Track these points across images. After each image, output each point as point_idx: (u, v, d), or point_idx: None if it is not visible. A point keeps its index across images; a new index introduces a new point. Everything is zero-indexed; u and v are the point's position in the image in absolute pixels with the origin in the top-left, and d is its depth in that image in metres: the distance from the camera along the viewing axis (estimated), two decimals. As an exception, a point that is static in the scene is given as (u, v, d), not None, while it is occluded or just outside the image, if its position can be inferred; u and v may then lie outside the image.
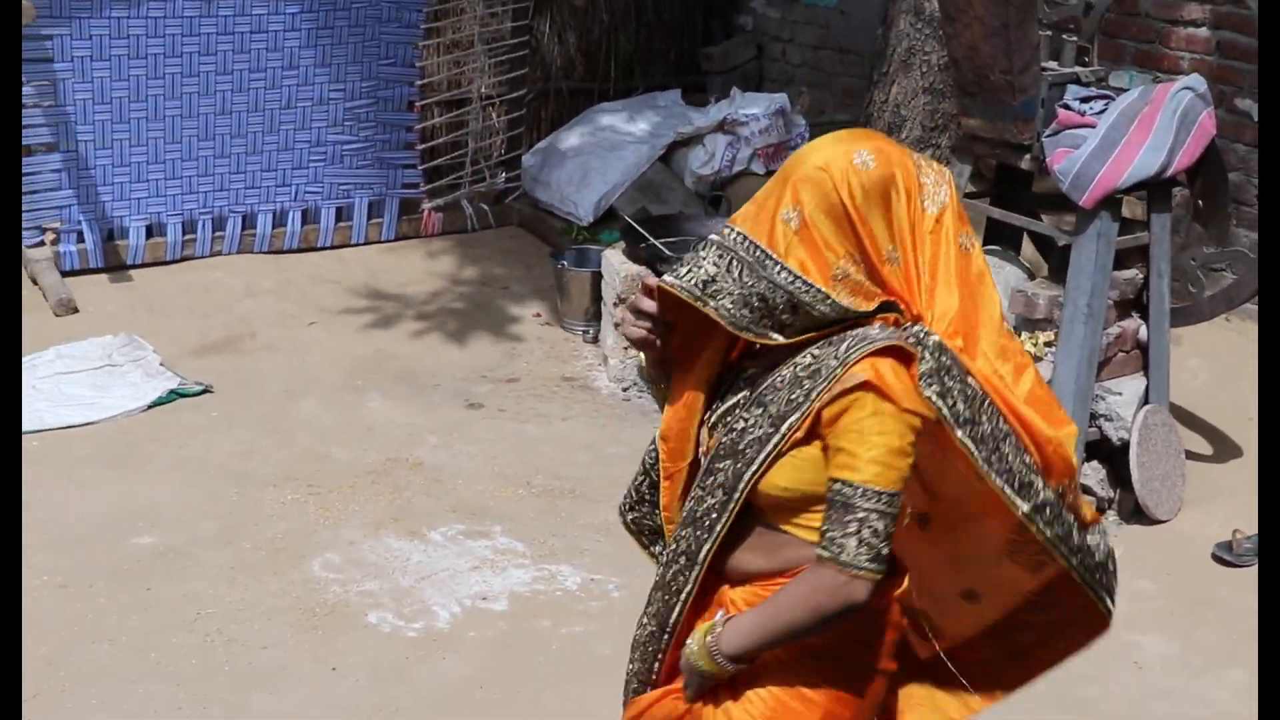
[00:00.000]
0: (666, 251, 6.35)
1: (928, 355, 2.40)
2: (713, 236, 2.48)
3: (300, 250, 7.53)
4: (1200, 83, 5.47)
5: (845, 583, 2.37)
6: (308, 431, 5.81)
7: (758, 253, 2.42)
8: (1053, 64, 5.57)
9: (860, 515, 2.35)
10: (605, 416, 6.12)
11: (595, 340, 6.72)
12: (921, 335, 2.42)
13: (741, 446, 2.47)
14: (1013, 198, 5.84)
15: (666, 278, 2.49)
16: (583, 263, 6.98)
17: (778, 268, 2.41)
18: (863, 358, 2.37)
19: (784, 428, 2.42)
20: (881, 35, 7.72)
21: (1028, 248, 6.21)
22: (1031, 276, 5.74)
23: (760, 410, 2.47)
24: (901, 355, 2.39)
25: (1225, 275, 6.28)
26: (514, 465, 5.62)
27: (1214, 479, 5.70)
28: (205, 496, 5.26)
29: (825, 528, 2.39)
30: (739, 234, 2.45)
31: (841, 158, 2.40)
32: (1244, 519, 5.33)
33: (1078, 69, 5.60)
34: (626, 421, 6.07)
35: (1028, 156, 5.41)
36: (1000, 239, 5.90)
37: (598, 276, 6.65)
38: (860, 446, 2.36)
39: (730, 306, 2.43)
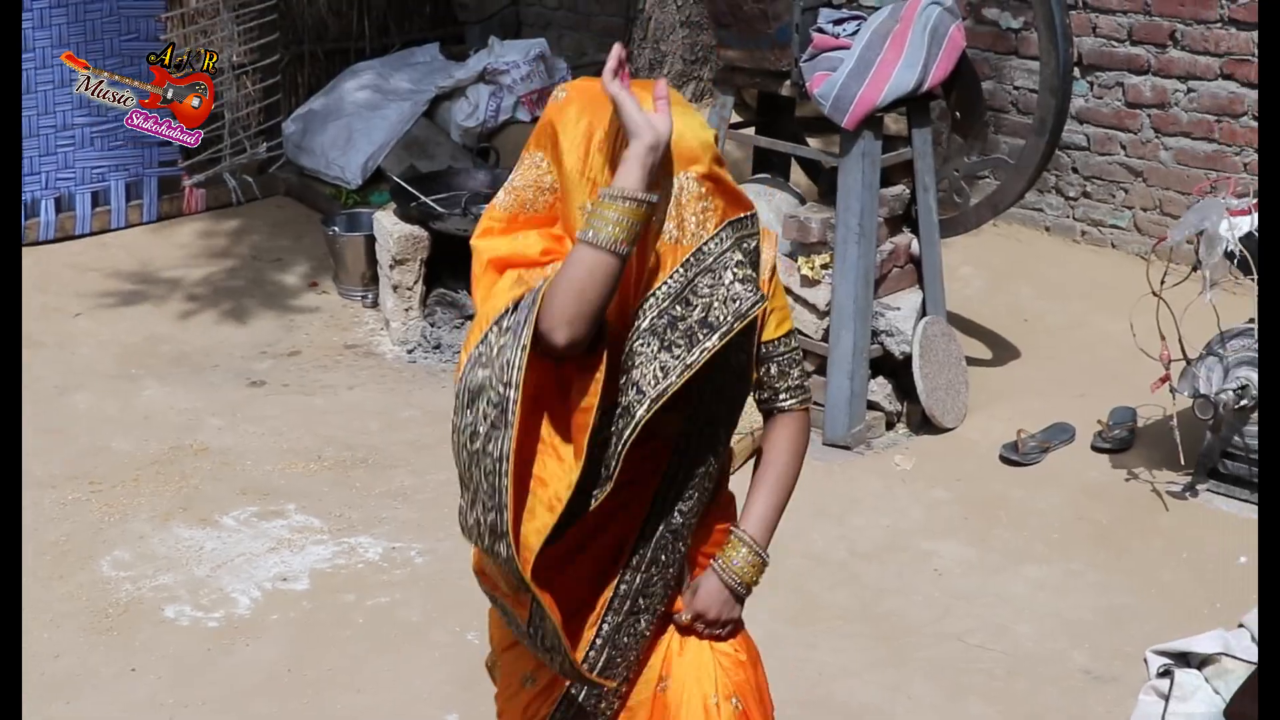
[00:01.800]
0: (438, 209, 6.27)
1: None
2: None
3: (57, 240, 7.24)
4: (947, -4, 5.57)
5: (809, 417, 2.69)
6: (84, 426, 5.61)
7: None
8: (803, -12, 5.61)
9: (801, 359, 2.65)
10: (393, 381, 6.03)
11: (375, 305, 6.61)
12: None
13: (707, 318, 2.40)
14: (778, 125, 5.89)
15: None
16: (354, 227, 6.85)
17: None
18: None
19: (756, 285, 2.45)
20: (634, -29, 7.72)
21: (797, 173, 6.28)
22: (802, 201, 5.80)
23: (706, 288, 2.41)
24: None
25: (989, 182, 6.44)
26: (303, 440, 5.50)
27: (995, 383, 5.85)
28: (-20, 506, 5.05)
29: (791, 382, 2.61)
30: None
31: None
32: (1027, 419, 5.49)
33: (829, -9, 5.65)
34: (415, 384, 5.99)
35: (788, 83, 5.46)
36: (769, 166, 5.95)
37: (371, 240, 6.54)
38: (783, 300, 2.63)
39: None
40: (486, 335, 2.32)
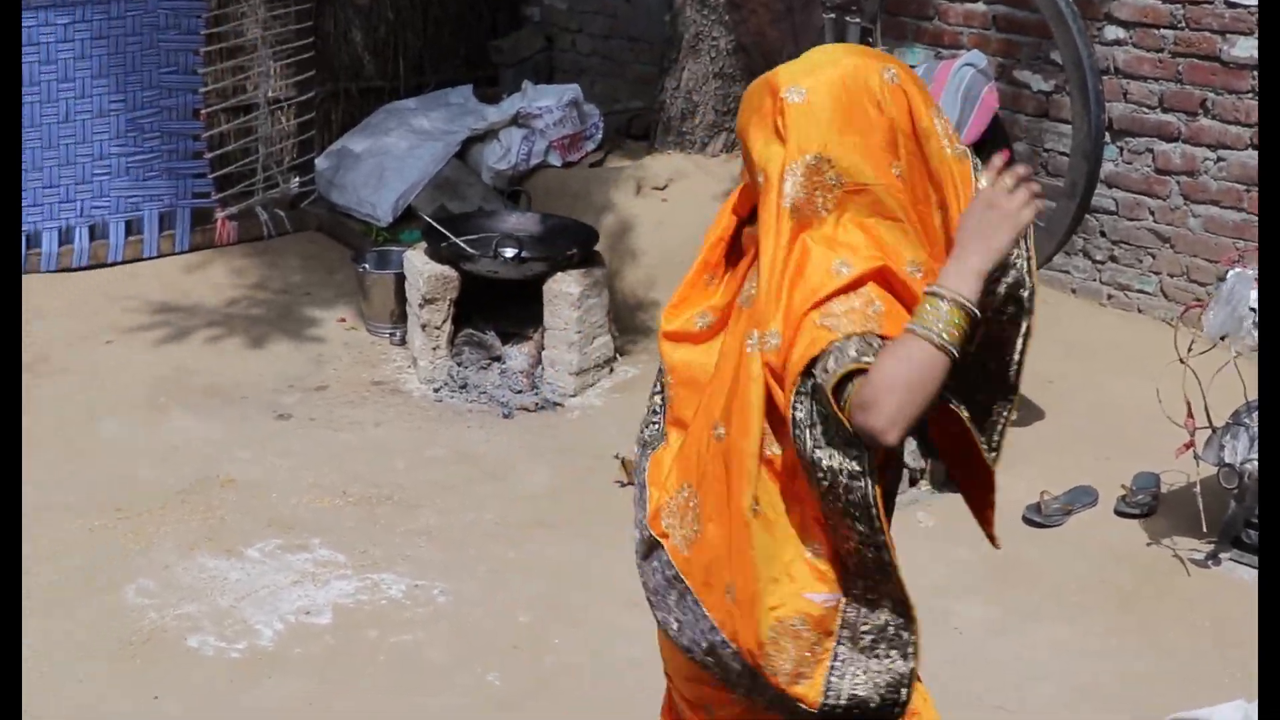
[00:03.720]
0: (469, 250, 6.31)
1: None
2: None
3: (90, 267, 7.31)
4: (981, 58, 5.64)
5: None
6: (111, 454, 5.65)
7: None
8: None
9: None
10: (419, 419, 6.06)
11: (403, 342, 6.65)
12: None
13: None
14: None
15: None
16: (384, 265, 6.90)
17: None
18: None
19: None
20: (669, 22, 7.78)
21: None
22: (832, 255, 5.82)
23: None
24: None
25: (1016, 243, 6.46)
26: (329, 475, 5.54)
27: (1019, 443, 5.84)
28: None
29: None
30: None
31: None
32: (1050, 480, 5.50)
33: (865, 49, 5.71)
34: (441, 423, 6.03)
35: (822, 138, 5.49)
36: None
37: (401, 278, 6.58)
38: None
39: None
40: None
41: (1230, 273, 4.96)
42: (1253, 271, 4.91)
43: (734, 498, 2.51)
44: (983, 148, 5.67)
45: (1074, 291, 7.04)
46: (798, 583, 2.49)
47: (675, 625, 2.62)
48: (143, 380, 6.27)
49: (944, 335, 2.27)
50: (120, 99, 7.28)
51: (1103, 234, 6.88)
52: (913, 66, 5.75)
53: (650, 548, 2.66)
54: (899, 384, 2.26)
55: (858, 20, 5.78)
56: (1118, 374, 6.26)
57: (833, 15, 5.75)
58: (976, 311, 2.31)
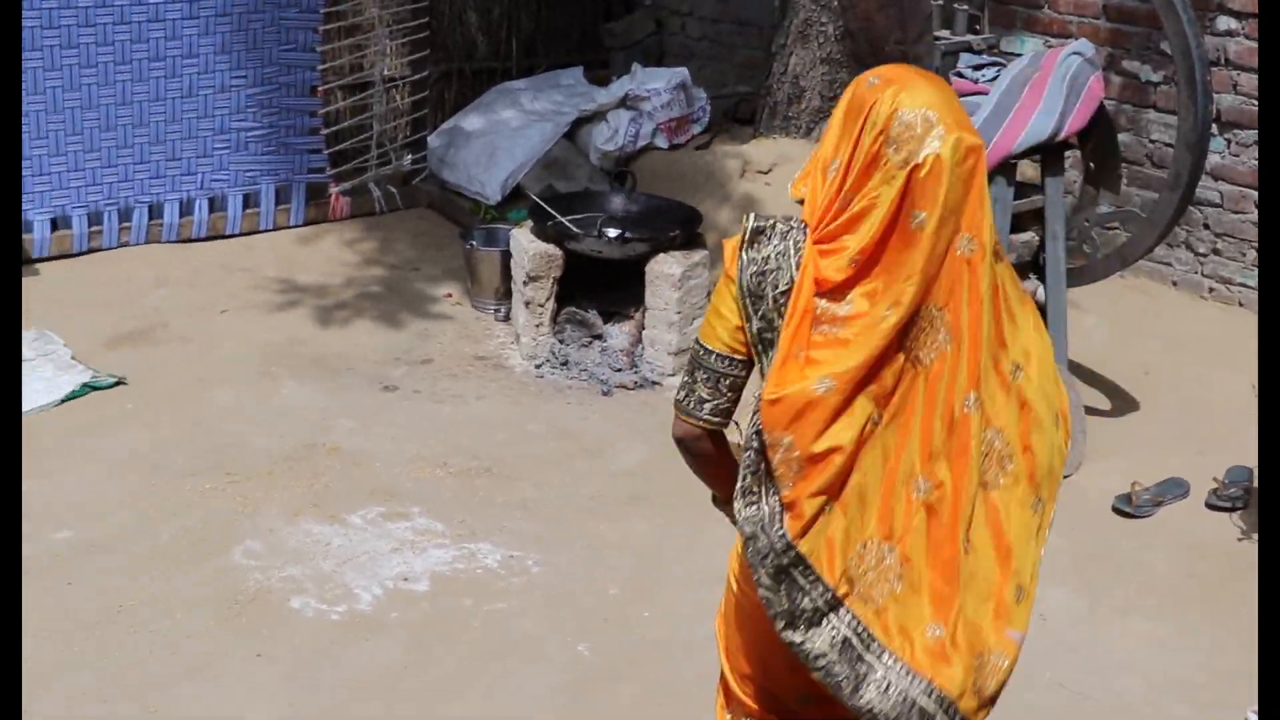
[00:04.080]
0: (574, 229, 6.36)
1: (755, 221, 2.62)
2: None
3: (209, 239, 7.46)
4: (1088, 47, 5.56)
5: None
6: (223, 420, 5.77)
7: None
8: (945, 32, 5.65)
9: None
10: (520, 394, 6.13)
11: (507, 319, 6.72)
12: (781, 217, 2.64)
13: None
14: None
15: None
16: (492, 242, 6.97)
17: None
18: None
19: None
20: (779, 7, 7.77)
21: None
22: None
23: None
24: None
25: (1119, 234, 6.40)
26: (431, 446, 5.62)
27: (1113, 434, 5.81)
28: (122, 489, 5.22)
29: None
30: None
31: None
32: (1142, 471, 5.44)
33: (970, 37, 5.67)
34: (541, 398, 6.09)
35: (924, 125, 5.46)
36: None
37: (506, 256, 6.65)
38: None
39: None
40: None
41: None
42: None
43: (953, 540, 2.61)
44: (1087, 136, 5.61)
45: (1175, 284, 6.94)
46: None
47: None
48: (255, 349, 6.39)
49: None
50: (241, 75, 7.41)
51: (1206, 226, 6.78)
52: (1019, 55, 5.70)
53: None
54: None
55: (965, 7, 5.74)
56: (1216, 367, 6.17)
57: (941, 2, 5.71)
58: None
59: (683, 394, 2.71)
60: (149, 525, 4.98)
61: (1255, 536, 5.09)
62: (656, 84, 7.92)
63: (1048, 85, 5.38)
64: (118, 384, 5.98)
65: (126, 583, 4.64)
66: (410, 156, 8.07)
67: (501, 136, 7.95)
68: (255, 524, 5.01)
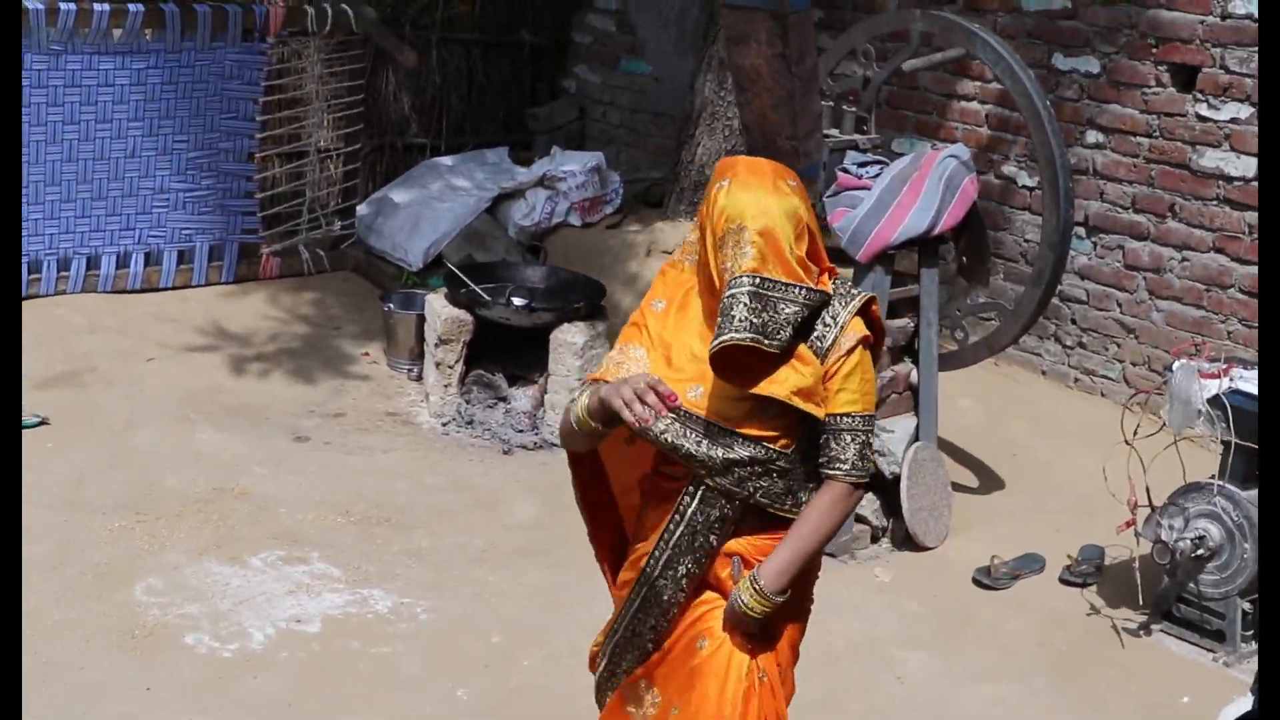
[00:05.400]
0: (484, 296, 6.32)
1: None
2: (735, 291, 2.78)
3: (143, 290, 7.34)
4: (964, 151, 5.62)
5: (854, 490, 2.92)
6: (140, 461, 5.66)
7: (785, 288, 2.80)
8: (834, 131, 5.68)
9: (867, 440, 2.89)
10: (425, 449, 6.05)
11: (419, 378, 6.65)
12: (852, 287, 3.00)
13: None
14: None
15: (729, 337, 2.75)
16: (409, 305, 6.92)
17: (801, 290, 2.82)
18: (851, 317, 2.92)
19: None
20: (690, 99, 7.81)
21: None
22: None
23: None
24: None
25: (989, 323, 6.44)
26: (335, 494, 5.53)
27: (978, 509, 5.82)
28: (36, 523, 5.07)
29: (845, 455, 2.87)
30: (760, 280, 2.79)
31: (775, 195, 2.89)
32: (1003, 546, 5.45)
33: (857, 136, 5.71)
34: (445, 454, 6.02)
35: (810, 215, 5.48)
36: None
37: (421, 319, 6.60)
38: (857, 381, 2.89)
39: (784, 337, 2.78)
40: None
41: (1176, 364, 4.92)
42: (1197, 365, 4.87)
43: None
44: (961, 232, 5.66)
45: (1044, 373, 6.99)
46: None
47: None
48: (177, 395, 6.29)
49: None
50: (184, 139, 7.33)
51: (1073, 321, 6.85)
52: (903, 155, 5.75)
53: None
54: None
55: (854, 109, 5.78)
56: (1077, 451, 6.20)
57: (831, 104, 5.75)
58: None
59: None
60: (58, 558, 4.85)
61: (1103, 611, 5.10)
62: (573, 166, 7.93)
63: (925, 184, 5.42)
64: (41, 424, 5.85)
65: (29, 612, 4.51)
66: (340, 222, 8.00)
67: (427, 208, 7.92)
68: (160, 561, 4.90)
